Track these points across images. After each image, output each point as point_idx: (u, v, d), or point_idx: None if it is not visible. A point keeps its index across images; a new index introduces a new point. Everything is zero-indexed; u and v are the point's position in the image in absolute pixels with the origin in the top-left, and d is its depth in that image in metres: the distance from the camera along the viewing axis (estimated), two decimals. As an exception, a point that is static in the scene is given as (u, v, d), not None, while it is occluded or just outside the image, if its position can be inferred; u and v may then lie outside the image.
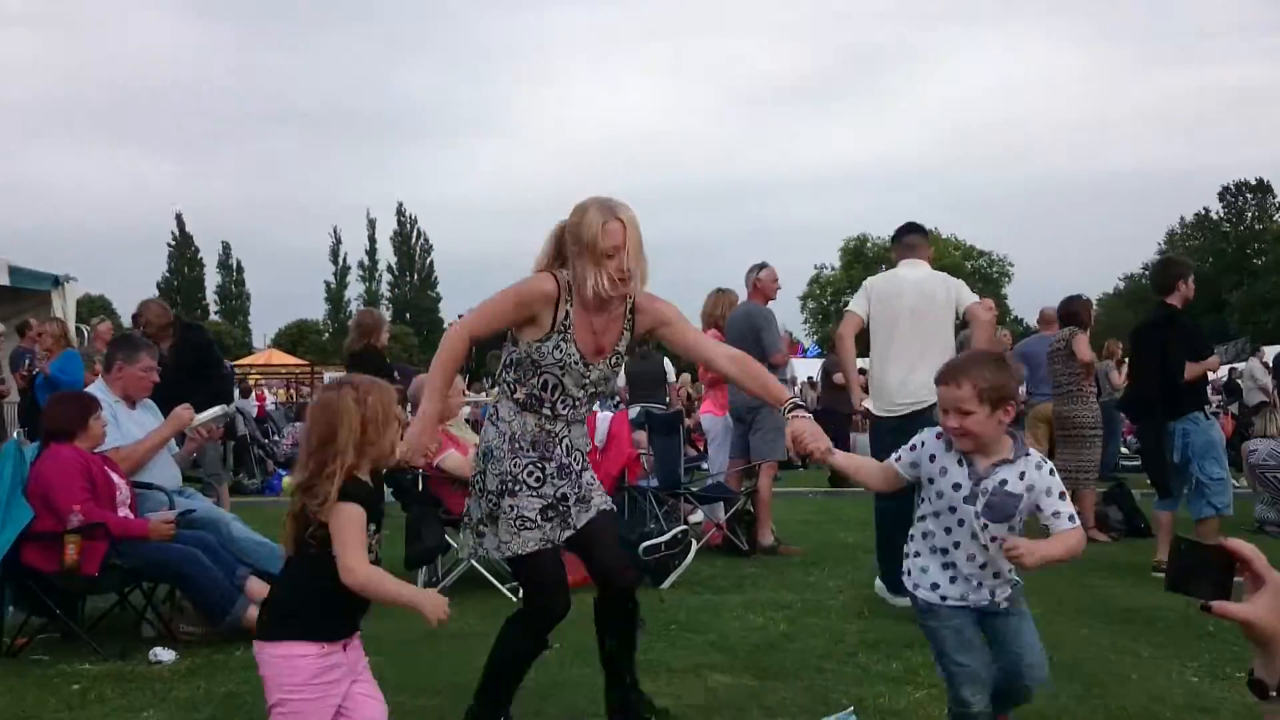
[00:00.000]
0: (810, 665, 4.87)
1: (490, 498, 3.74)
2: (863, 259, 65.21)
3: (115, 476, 5.40)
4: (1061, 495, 3.22)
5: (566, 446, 3.77)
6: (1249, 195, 68.03)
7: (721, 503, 8.56)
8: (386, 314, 53.48)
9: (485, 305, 3.75)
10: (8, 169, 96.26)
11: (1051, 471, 3.24)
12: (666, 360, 13.75)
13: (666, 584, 6.80)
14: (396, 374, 9.95)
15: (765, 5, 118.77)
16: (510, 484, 3.70)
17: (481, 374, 24.09)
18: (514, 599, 6.38)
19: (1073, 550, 3.14)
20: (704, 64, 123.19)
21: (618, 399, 13.75)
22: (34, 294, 12.08)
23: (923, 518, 3.36)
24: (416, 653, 5.11)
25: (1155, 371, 7.17)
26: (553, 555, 3.74)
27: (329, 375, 23.00)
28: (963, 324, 6.64)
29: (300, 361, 41.84)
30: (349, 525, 2.79)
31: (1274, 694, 1.68)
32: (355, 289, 76.23)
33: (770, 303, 8.54)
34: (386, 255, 77.65)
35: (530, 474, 3.70)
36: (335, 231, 76.86)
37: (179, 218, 74.82)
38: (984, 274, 69.08)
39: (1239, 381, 16.83)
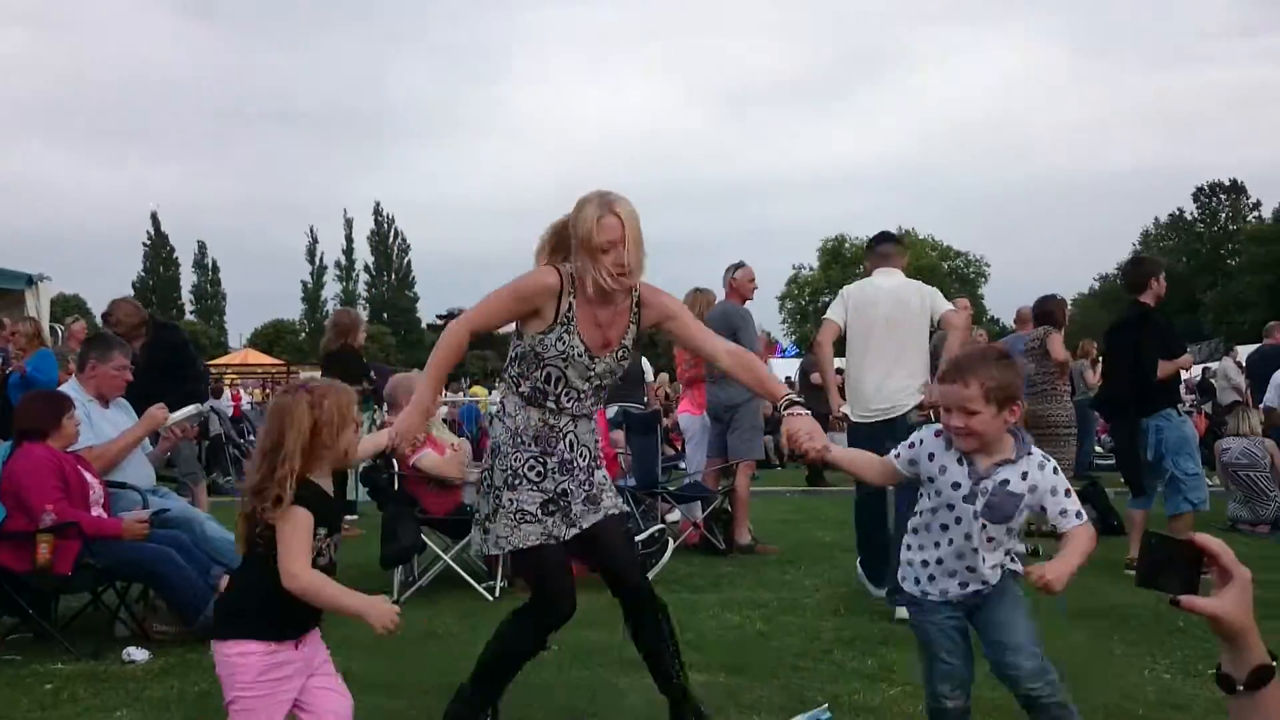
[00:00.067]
0: (786, 663, 4.88)
1: (495, 492, 3.74)
2: (840, 260, 65.37)
3: (88, 476, 5.37)
4: (1067, 493, 3.16)
5: (570, 442, 3.74)
6: (1223, 196, 68.60)
7: (699, 502, 8.57)
8: (364, 314, 53.38)
9: (487, 299, 3.73)
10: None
11: (1055, 470, 3.18)
12: (644, 359, 13.76)
13: (643, 583, 6.80)
14: (373, 373, 9.95)
15: (751, 4, 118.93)
16: (511, 478, 3.69)
17: (460, 374, 24.03)
18: (490, 599, 6.39)
19: (1086, 551, 3.06)
20: (693, 63, 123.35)
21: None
22: (7, 293, 11.98)
23: (919, 513, 3.31)
24: (393, 653, 5.09)
25: (1129, 370, 7.22)
26: (556, 552, 3.70)
27: (304, 375, 22.90)
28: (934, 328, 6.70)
29: (276, 361, 41.71)
30: (294, 530, 2.81)
31: (1241, 688, 1.70)
32: (332, 289, 76.11)
33: (747, 302, 8.55)
34: (364, 255, 77.52)
35: (531, 468, 3.69)
36: (312, 231, 76.70)
37: (154, 217, 74.62)
38: (961, 274, 69.42)
39: (1213, 381, 16.95)
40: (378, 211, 77.91)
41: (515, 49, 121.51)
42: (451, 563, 6.66)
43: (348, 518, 9.73)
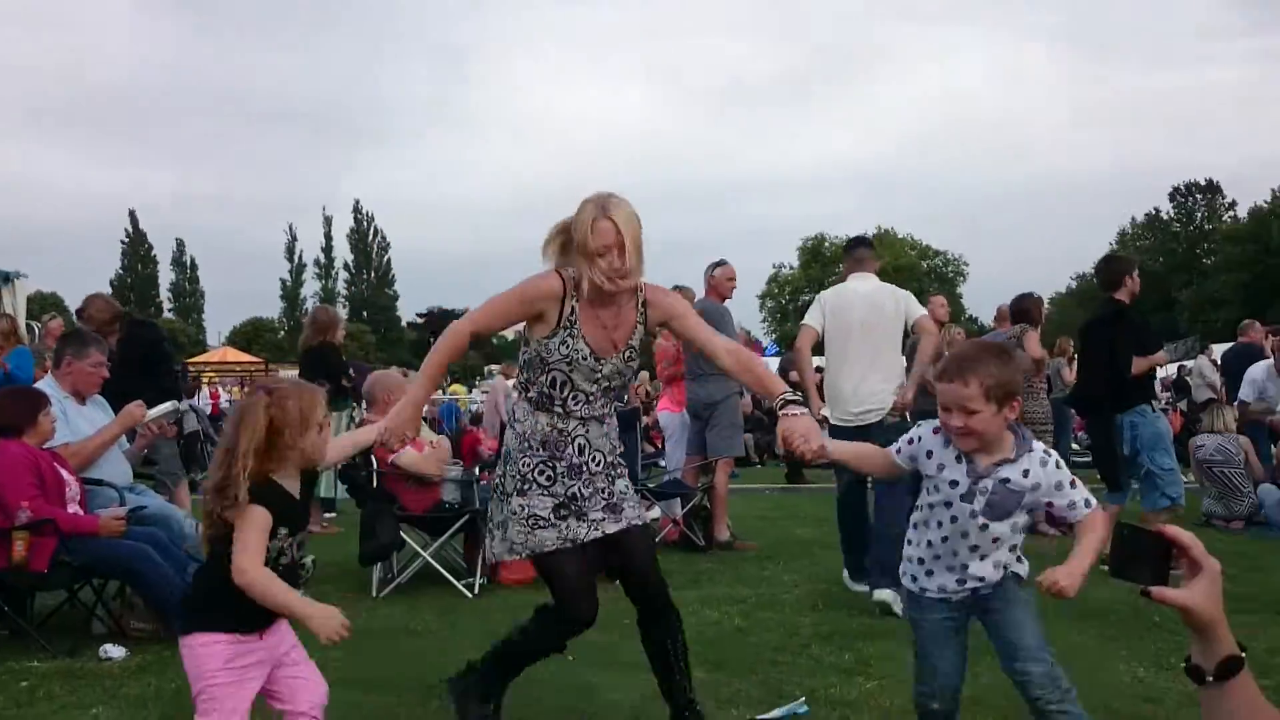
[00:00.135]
0: (764, 658, 4.90)
1: (505, 498, 3.73)
2: (820, 259, 65.50)
3: (64, 473, 5.34)
4: (1073, 484, 3.08)
5: (580, 446, 3.71)
6: (1199, 196, 69.01)
7: (678, 499, 8.58)
8: (343, 312, 53.23)
9: (491, 301, 3.72)
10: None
11: (1058, 464, 3.10)
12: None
13: (622, 579, 6.80)
14: (352, 371, 9.92)
15: (731, 4, 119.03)
16: (521, 484, 3.69)
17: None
18: (469, 595, 6.39)
19: (1100, 541, 2.95)
20: (672, 63, 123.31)
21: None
22: (-17, 290, 11.90)
23: (920, 507, 3.25)
24: (371, 649, 5.09)
25: (1103, 367, 7.27)
26: (574, 556, 3.67)
27: (283, 373, 22.83)
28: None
29: (255, 359, 41.55)
30: (249, 527, 2.83)
31: (1210, 679, 1.71)
32: (311, 287, 75.80)
33: (726, 301, 8.57)
34: (343, 253, 77.26)
35: (540, 472, 3.68)
36: (291, 229, 76.35)
37: (132, 214, 74.17)
38: (939, 273, 69.66)
39: (1188, 379, 17.05)
40: (357, 209, 77.78)
41: (498, 49, 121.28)
42: (431, 560, 6.65)
43: (326, 515, 9.72)
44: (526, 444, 3.71)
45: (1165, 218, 69.36)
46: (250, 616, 2.88)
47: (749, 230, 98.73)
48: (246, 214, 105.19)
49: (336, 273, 77.00)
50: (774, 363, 21.43)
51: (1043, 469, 3.07)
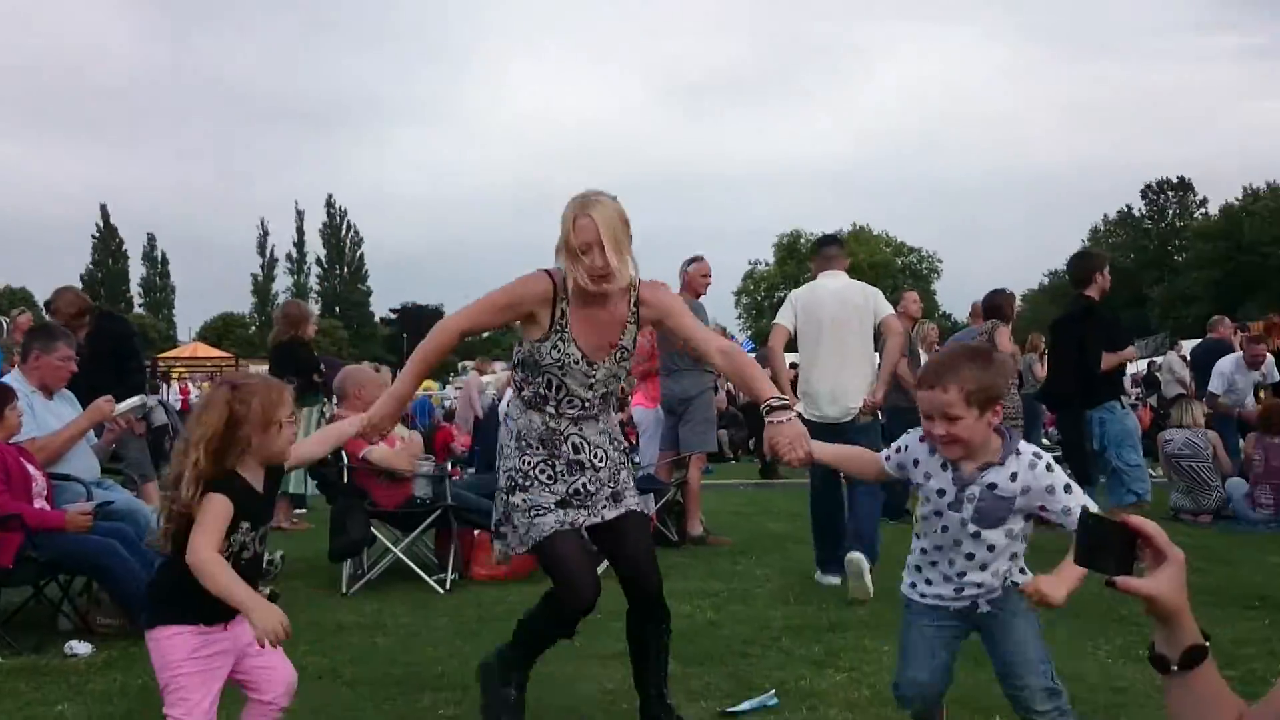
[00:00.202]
0: (735, 650, 4.91)
1: (501, 496, 3.72)
2: (796, 255, 65.67)
3: (31, 468, 5.28)
4: (1067, 488, 2.94)
5: (575, 445, 3.68)
6: (1170, 193, 69.67)
7: (652, 494, 8.57)
8: (315, 308, 52.91)
9: (478, 302, 3.67)
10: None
11: (1049, 466, 2.97)
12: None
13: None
14: (323, 366, 9.85)
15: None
16: (520, 479, 3.66)
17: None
18: (441, 590, 6.37)
19: None
20: (647, 58, 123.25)
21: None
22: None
23: (917, 519, 3.19)
24: (342, 644, 5.08)
25: (1073, 363, 7.32)
26: (573, 539, 3.65)
27: (254, 368, 22.69)
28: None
29: (226, 354, 41.32)
30: (208, 510, 2.84)
31: (1175, 668, 1.72)
32: (283, 282, 75.54)
33: (701, 297, 8.56)
34: (315, 248, 76.88)
35: (542, 471, 3.66)
36: (263, 224, 76.00)
37: (103, 209, 73.70)
38: (914, 270, 70.03)
39: (1158, 374, 17.19)
40: (330, 204, 77.49)
41: (473, 44, 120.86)
42: (401, 555, 6.62)
43: (296, 511, 9.66)
44: (524, 442, 3.69)
45: (1137, 215, 69.97)
46: (215, 608, 2.87)
47: (724, 226, 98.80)
48: (219, 208, 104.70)
49: (309, 268, 76.81)
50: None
51: (1031, 472, 2.96)
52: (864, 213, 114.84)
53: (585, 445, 3.71)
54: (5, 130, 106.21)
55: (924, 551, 3.12)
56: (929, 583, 3.11)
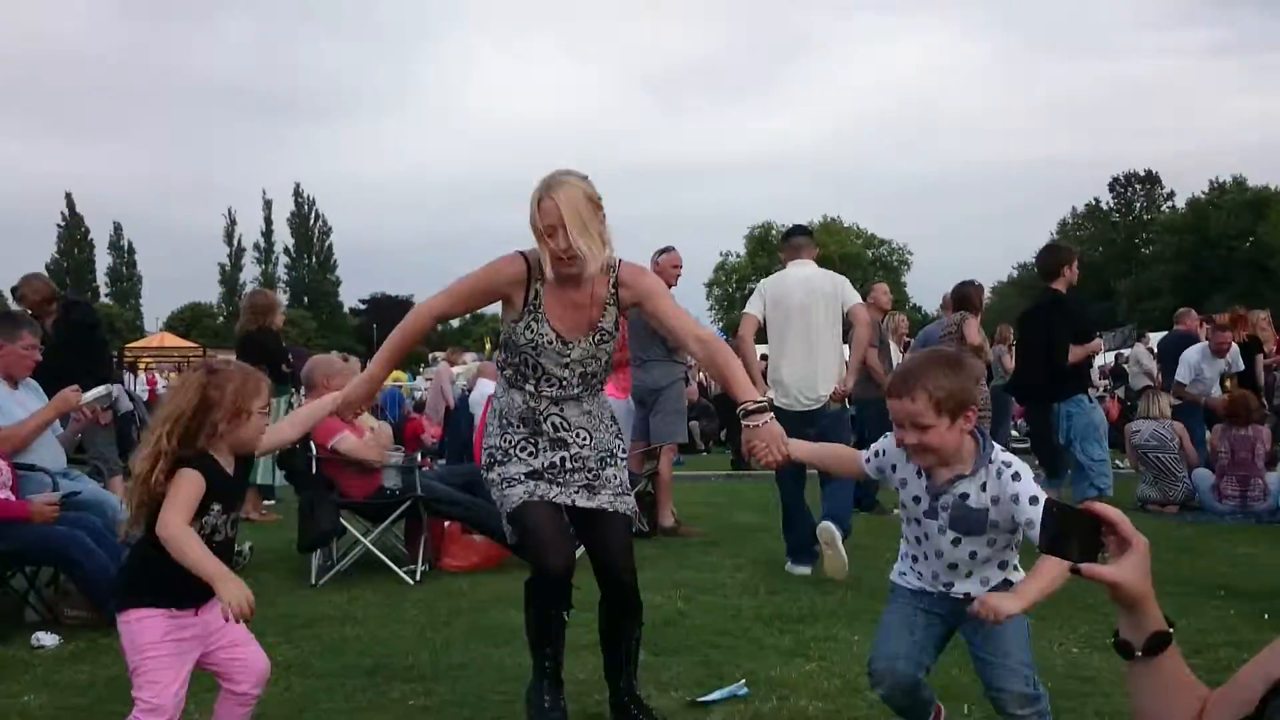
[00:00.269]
0: (705, 640, 4.92)
1: (485, 472, 3.76)
2: (767, 247, 65.78)
3: (-5, 458, 5.24)
4: (1033, 500, 2.83)
5: (555, 424, 3.69)
6: (1138, 186, 70.23)
7: (633, 495, 8.56)
8: (283, 298, 52.58)
9: (452, 285, 3.68)
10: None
11: (1017, 475, 2.88)
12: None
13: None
14: (291, 356, 9.80)
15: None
16: (499, 455, 3.70)
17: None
18: (411, 582, 6.34)
19: (1053, 577, 2.63)
20: (619, 46, 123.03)
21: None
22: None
23: (899, 519, 3.17)
24: (312, 635, 5.05)
25: (1041, 355, 7.38)
26: (543, 509, 3.64)
27: (221, 357, 22.54)
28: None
29: (193, 345, 40.99)
30: (180, 485, 2.85)
31: (1139, 654, 1.73)
32: (251, 271, 74.89)
33: (672, 287, 8.56)
34: (284, 237, 76.27)
35: (523, 448, 3.68)
36: (230, 213, 75.30)
37: (69, 197, 72.80)
38: (885, 262, 70.33)
39: (1125, 367, 17.32)
40: (298, 193, 76.81)
41: (441, 32, 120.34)
42: (371, 546, 6.59)
43: (265, 502, 9.60)
44: (506, 421, 3.72)
45: (1105, 208, 70.47)
46: (186, 592, 2.87)
47: (696, 217, 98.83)
48: (185, 197, 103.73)
49: (276, 257, 76.21)
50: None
51: (999, 480, 2.88)
52: (836, 205, 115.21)
53: (565, 424, 3.70)
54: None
55: (913, 556, 3.10)
56: (919, 576, 3.09)
